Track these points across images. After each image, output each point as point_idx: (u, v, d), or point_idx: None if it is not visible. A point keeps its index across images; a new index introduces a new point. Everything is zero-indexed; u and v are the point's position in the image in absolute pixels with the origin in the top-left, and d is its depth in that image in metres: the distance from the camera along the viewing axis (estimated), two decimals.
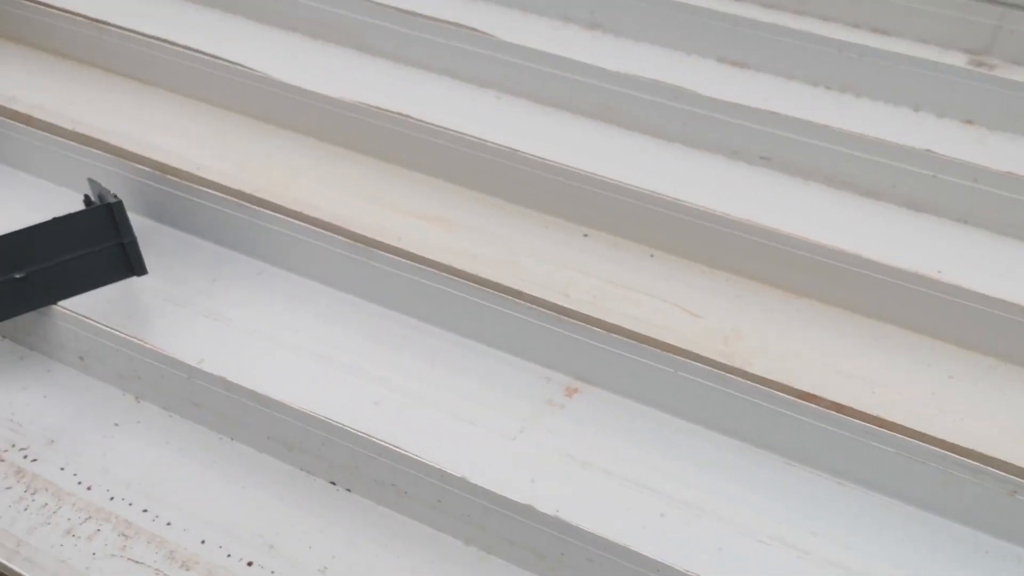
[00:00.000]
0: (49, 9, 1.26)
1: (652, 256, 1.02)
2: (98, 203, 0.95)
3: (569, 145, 1.11)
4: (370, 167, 1.13)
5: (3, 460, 0.86)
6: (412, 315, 0.98)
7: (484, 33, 1.20)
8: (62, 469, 0.86)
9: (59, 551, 0.80)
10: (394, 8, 1.25)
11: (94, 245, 0.93)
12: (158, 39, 1.20)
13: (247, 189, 1.05)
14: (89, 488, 0.84)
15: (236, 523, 0.82)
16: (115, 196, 0.94)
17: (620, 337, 0.89)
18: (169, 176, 1.04)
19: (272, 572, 0.78)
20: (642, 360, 0.88)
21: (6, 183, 1.12)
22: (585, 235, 1.05)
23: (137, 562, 0.79)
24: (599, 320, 0.91)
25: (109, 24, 1.23)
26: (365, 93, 1.14)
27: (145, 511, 0.82)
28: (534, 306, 0.92)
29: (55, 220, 0.91)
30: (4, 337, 0.97)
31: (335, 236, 0.99)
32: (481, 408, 0.90)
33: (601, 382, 0.92)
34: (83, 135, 1.10)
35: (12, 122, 1.12)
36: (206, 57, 1.17)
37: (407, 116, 1.10)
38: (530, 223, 1.06)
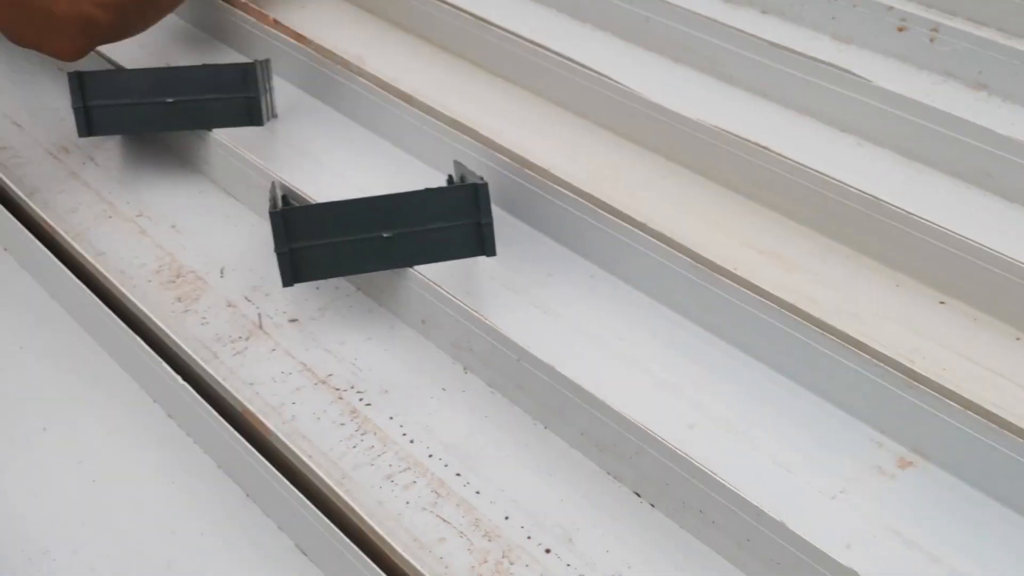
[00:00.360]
0: (438, 3, 1.37)
1: (1019, 339, 0.92)
2: (461, 183, 1.01)
3: (936, 204, 1.03)
4: (714, 192, 1.12)
5: (342, 399, 0.94)
6: (739, 347, 0.95)
7: (857, 76, 1.15)
8: (391, 418, 0.91)
9: (377, 492, 0.85)
10: (764, 40, 1.23)
11: (454, 220, 0.98)
12: (534, 43, 1.26)
13: (594, 194, 1.07)
14: (412, 441, 0.89)
15: (540, 509, 0.83)
16: (480, 178, 0.99)
17: (977, 417, 0.80)
18: (527, 170, 1.09)
19: (568, 564, 0.79)
20: (998, 447, 0.79)
21: (382, 153, 1.23)
22: (942, 302, 0.96)
23: (445, 520, 0.82)
24: (954, 393, 0.84)
25: (491, 24, 1.31)
26: (722, 119, 1.13)
27: (458, 475, 0.86)
28: (880, 363, 0.86)
29: (426, 190, 0.98)
30: (358, 289, 1.05)
31: (676, 254, 0.98)
32: (802, 458, 0.85)
33: (942, 461, 0.84)
34: (454, 120, 1.18)
35: (396, 100, 1.22)
36: (576, 66, 1.22)
37: (765, 148, 1.07)
38: (879, 277, 1.00)
